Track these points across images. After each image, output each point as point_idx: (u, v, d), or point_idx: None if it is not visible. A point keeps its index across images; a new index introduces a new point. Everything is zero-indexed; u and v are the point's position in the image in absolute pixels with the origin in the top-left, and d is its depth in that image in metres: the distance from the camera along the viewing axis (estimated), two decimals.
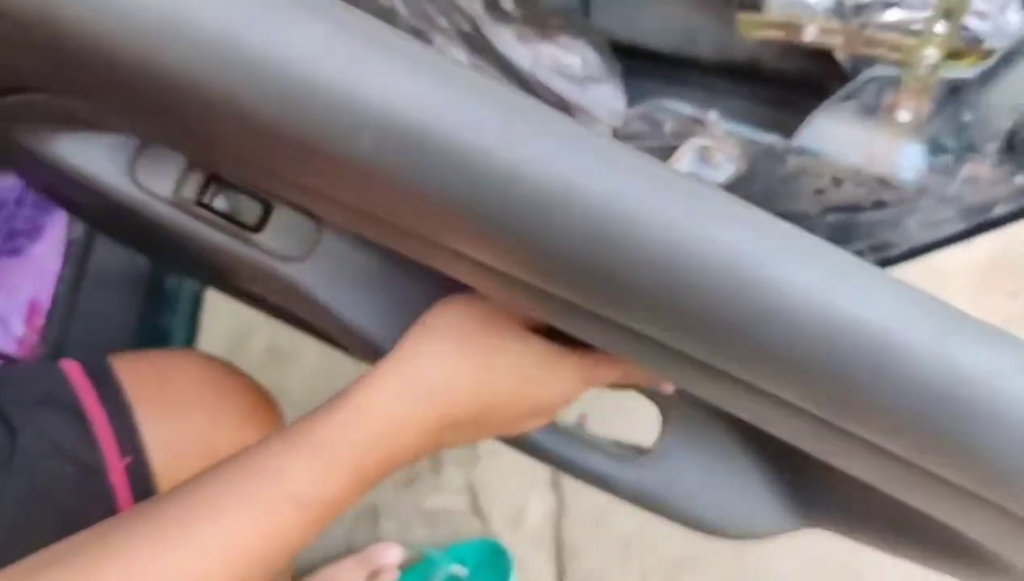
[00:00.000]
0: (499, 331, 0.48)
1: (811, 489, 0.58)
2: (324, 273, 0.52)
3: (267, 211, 0.51)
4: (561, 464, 0.58)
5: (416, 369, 0.46)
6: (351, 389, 0.45)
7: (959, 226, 0.66)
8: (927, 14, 0.44)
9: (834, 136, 0.62)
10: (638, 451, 0.60)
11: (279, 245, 0.51)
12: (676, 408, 0.60)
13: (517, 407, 0.49)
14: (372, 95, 0.30)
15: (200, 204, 0.50)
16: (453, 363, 0.46)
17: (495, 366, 0.47)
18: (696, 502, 0.59)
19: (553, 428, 0.58)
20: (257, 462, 0.43)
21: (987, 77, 0.45)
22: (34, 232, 0.89)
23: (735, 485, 0.60)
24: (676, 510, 0.59)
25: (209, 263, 0.57)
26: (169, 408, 0.65)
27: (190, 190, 0.50)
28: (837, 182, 0.66)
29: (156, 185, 0.50)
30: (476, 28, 0.69)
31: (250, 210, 0.51)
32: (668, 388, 0.58)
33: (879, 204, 0.66)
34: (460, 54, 0.68)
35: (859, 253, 0.66)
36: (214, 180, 0.51)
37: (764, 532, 0.60)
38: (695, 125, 0.66)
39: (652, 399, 0.60)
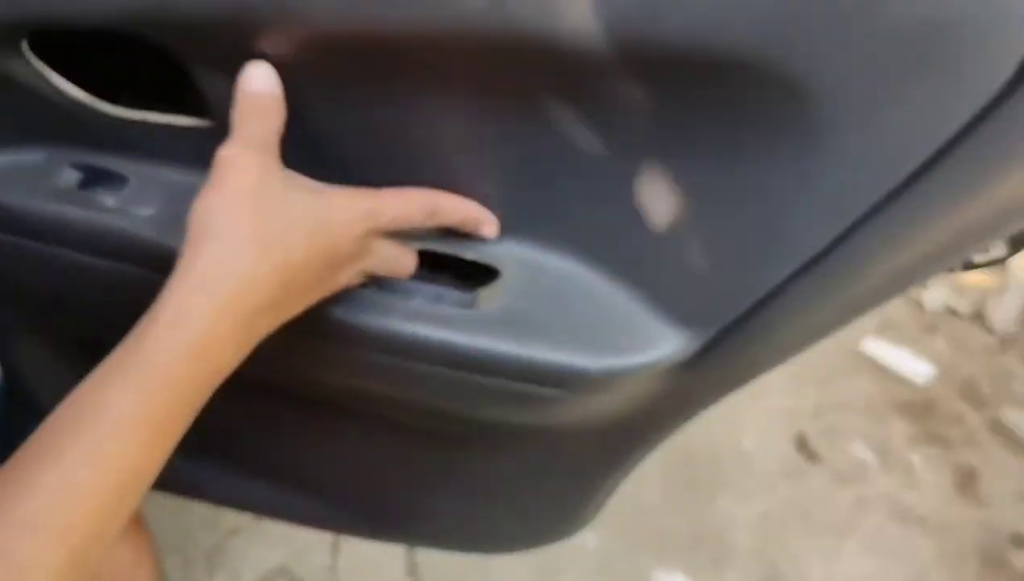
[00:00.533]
0: (270, 199, 0.47)
1: (696, 289, 0.52)
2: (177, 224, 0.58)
3: (124, 184, 0.60)
4: (390, 343, 0.55)
5: (206, 269, 0.45)
6: (154, 307, 0.45)
7: None
8: None
9: None
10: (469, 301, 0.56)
11: (140, 205, 0.59)
12: (508, 256, 0.55)
13: (316, 263, 0.49)
14: None
15: (80, 189, 0.60)
16: (238, 249, 0.46)
17: (277, 233, 0.47)
18: (555, 342, 0.54)
19: (374, 302, 0.56)
20: (82, 399, 0.43)
21: None
22: None
23: (597, 310, 0.54)
24: (534, 361, 0.54)
25: (86, 272, 0.63)
26: None
27: (70, 182, 0.60)
28: None
29: (46, 189, 0.60)
30: None
31: (116, 184, 0.60)
32: (491, 231, 0.55)
33: None
34: None
35: None
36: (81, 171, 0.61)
37: (648, 358, 0.54)
38: None
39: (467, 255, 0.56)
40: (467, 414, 0.63)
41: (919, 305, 2.37)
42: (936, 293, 2.40)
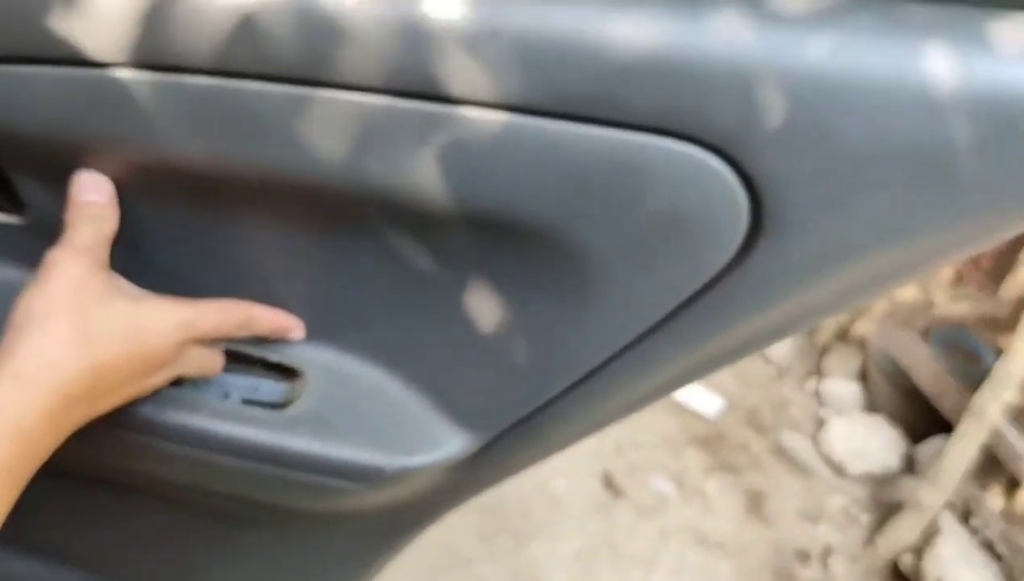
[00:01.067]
0: (91, 301, 0.50)
1: (478, 398, 0.59)
2: None
3: None
4: (199, 439, 0.60)
5: (25, 359, 0.47)
6: None
7: None
8: None
9: None
10: (274, 404, 0.61)
11: None
12: (313, 361, 0.60)
13: (130, 364, 0.51)
14: None
15: None
16: (56, 344, 0.48)
17: (94, 334, 0.49)
18: (353, 442, 0.59)
19: (185, 400, 0.59)
20: None
21: None
22: None
23: (392, 413, 0.60)
24: (333, 459, 0.59)
25: None
26: None
27: None
28: None
29: None
30: None
31: None
32: (298, 334, 0.59)
33: None
34: None
35: None
36: None
37: (436, 457, 0.60)
38: None
39: (276, 363, 0.60)
40: (266, 501, 0.66)
41: None
42: None
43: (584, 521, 1.90)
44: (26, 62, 0.47)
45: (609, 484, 2.00)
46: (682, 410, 2.27)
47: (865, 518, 2.04)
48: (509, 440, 0.61)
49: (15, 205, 0.56)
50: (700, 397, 2.30)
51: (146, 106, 0.47)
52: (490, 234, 0.50)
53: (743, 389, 2.40)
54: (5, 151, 0.52)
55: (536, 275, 0.52)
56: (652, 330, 0.51)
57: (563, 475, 1.99)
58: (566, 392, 0.57)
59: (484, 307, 0.55)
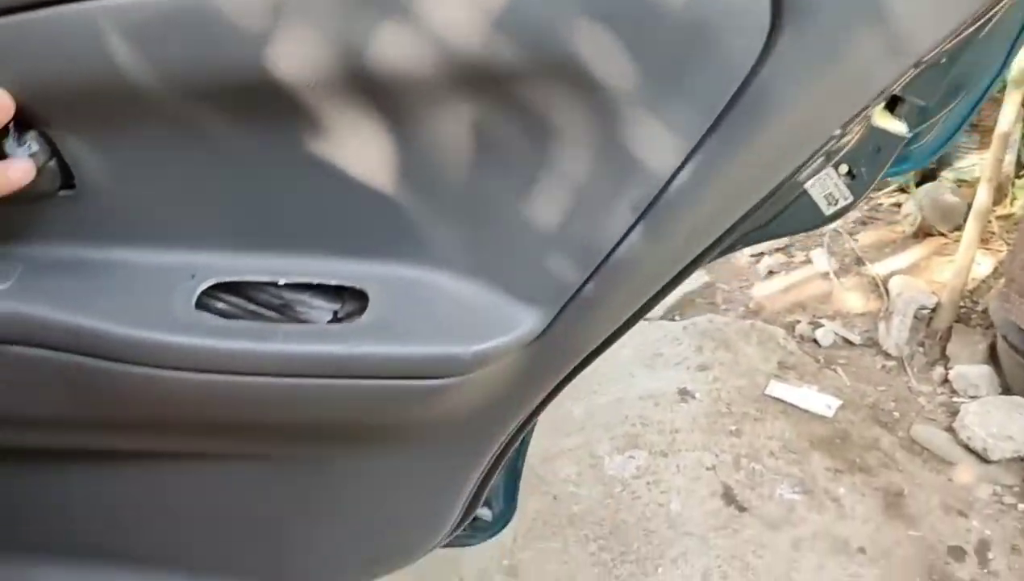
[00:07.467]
0: None
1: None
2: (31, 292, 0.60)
3: None
4: (279, 365, 0.61)
5: None
6: None
7: None
8: None
9: None
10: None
11: None
12: (372, 277, 0.62)
13: None
14: None
15: None
16: None
17: None
18: (428, 338, 0.61)
19: (253, 330, 0.61)
20: None
21: None
22: None
23: (460, 307, 0.62)
24: (406, 360, 0.61)
25: None
26: None
27: None
28: None
29: None
30: None
31: None
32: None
33: None
34: None
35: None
36: None
37: (510, 337, 0.61)
38: None
39: None
40: (348, 421, 0.68)
41: (815, 342, 2.43)
42: (828, 328, 2.46)
43: (708, 539, 1.78)
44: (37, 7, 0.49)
45: (730, 499, 1.87)
46: (796, 413, 2.13)
47: (1022, 506, 1.85)
48: (573, 312, 0.61)
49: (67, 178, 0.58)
50: (815, 400, 2.17)
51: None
52: (522, 95, 0.51)
53: (861, 387, 2.24)
54: (48, 113, 0.53)
55: (566, 128, 0.52)
56: (693, 151, 0.50)
57: (680, 494, 1.88)
58: (616, 247, 0.57)
59: (522, 180, 0.55)
